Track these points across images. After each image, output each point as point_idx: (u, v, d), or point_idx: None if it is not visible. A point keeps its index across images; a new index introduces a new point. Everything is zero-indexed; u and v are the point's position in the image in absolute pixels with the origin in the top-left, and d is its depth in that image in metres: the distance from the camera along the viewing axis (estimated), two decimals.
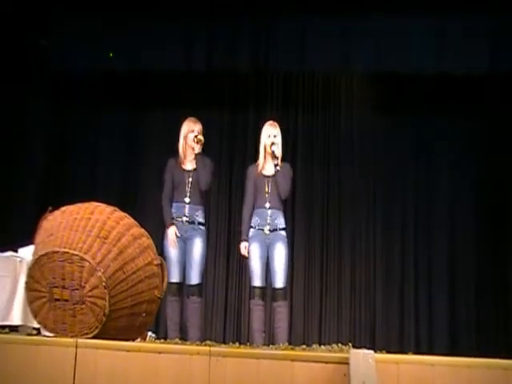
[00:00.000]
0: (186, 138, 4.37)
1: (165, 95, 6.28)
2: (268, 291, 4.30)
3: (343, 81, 6.26)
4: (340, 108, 6.26)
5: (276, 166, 4.23)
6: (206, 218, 4.39)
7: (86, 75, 6.00)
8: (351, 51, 5.43)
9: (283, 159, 4.36)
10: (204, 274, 4.39)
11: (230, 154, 6.28)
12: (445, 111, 5.96)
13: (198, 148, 4.32)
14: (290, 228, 5.52)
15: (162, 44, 5.66)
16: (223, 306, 6.01)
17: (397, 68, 5.41)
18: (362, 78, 6.13)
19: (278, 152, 4.27)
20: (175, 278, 4.23)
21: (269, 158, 4.32)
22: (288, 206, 5.46)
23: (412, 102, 6.05)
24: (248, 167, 4.45)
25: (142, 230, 3.18)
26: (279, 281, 4.15)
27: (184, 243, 4.27)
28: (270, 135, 4.33)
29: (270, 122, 4.42)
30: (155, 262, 3.16)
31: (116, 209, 3.16)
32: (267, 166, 4.35)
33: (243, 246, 4.27)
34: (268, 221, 4.23)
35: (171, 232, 4.26)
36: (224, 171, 6.20)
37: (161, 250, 4.16)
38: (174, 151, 4.49)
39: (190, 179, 4.31)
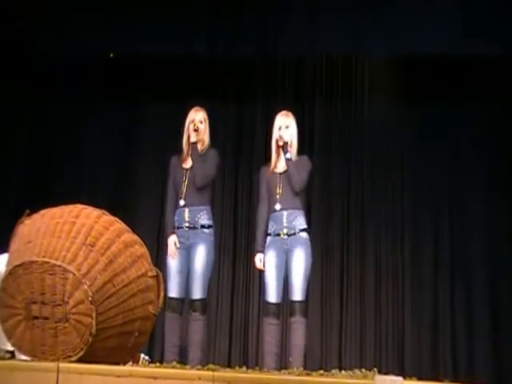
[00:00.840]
0: (187, 130, 4.34)
1: (161, 85, 6.27)
2: (284, 307, 4.29)
3: (365, 64, 6.23)
4: (362, 95, 6.23)
5: (286, 153, 4.19)
6: (212, 218, 4.36)
7: (71, 62, 6.00)
8: (373, 30, 5.39)
9: (299, 153, 4.33)
10: (209, 287, 4.35)
11: (236, 150, 6.28)
12: (484, 96, 5.93)
13: (193, 137, 4.27)
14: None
15: (160, 28, 5.66)
16: (228, 324, 6.00)
17: (424, 49, 5.37)
18: (386, 61, 6.10)
19: (286, 136, 4.23)
20: (175, 292, 4.21)
21: (281, 153, 4.26)
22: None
23: (445, 87, 6.02)
24: (261, 168, 4.44)
25: (135, 237, 3.14)
26: (297, 292, 4.12)
27: (187, 252, 4.24)
28: (282, 127, 4.30)
29: (283, 111, 4.41)
30: (150, 274, 3.12)
31: (105, 212, 3.12)
32: (280, 162, 4.30)
33: (258, 258, 4.23)
34: (284, 223, 4.18)
35: (170, 243, 4.25)
36: (229, 170, 6.20)
37: (156, 260, 4.12)
38: (173, 148, 4.48)
39: (187, 178, 4.27)
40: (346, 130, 6.23)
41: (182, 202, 4.26)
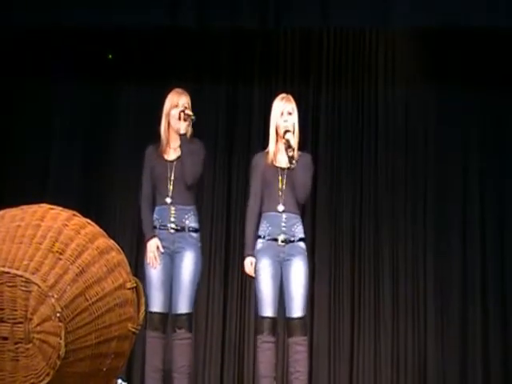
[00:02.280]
0: (168, 115, 4.35)
1: (140, 61, 6.28)
2: (281, 323, 4.30)
3: (381, 39, 6.24)
4: (377, 76, 6.24)
5: (291, 159, 4.14)
6: (200, 221, 4.38)
7: (34, 33, 5.97)
8: None
9: (301, 147, 4.31)
10: (196, 299, 4.39)
11: (229, 139, 6.28)
12: None
13: (184, 127, 4.27)
14: (310, 239, 5.51)
15: None
16: (220, 343, 6.00)
17: (454, 20, 5.35)
18: (407, 35, 6.13)
19: (294, 141, 4.19)
20: (158, 306, 4.22)
21: (282, 145, 4.23)
22: (306, 211, 5.46)
23: (480, 66, 6.02)
24: (254, 156, 4.41)
25: (111, 242, 3.10)
26: (297, 308, 4.13)
27: (171, 258, 4.22)
28: (284, 112, 4.30)
29: (283, 95, 4.42)
30: (128, 285, 3.09)
31: (75, 213, 3.08)
32: (281, 154, 4.28)
33: (248, 261, 4.25)
34: (283, 228, 4.18)
35: (151, 247, 4.22)
36: (221, 162, 6.20)
37: (135, 269, 4.11)
38: (154, 136, 4.44)
39: (173, 172, 4.24)
40: (357, 117, 6.24)
41: (168, 200, 4.23)
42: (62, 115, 6.37)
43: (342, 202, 6.13)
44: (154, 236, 4.25)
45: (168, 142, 4.37)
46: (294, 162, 4.18)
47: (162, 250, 4.23)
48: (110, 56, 6.27)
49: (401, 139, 6.17)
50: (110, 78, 6.35)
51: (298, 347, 4.11)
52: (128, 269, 3.08)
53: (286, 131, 4.23)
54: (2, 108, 6.29)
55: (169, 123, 4.35)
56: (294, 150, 4.19)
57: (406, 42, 6.21)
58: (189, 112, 4.30)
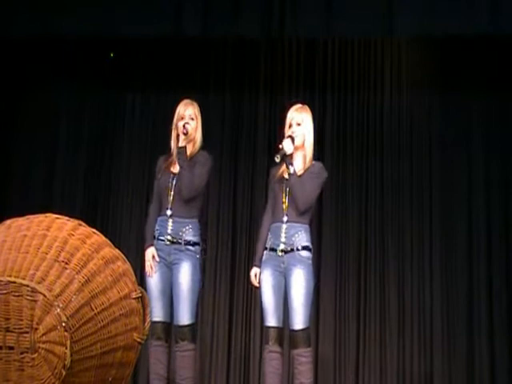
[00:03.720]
0: (176, 128, 4.34)
1: (146, 70, 6.30)
2: (287, 334, 4.27)
3: (387, 47, 6.25)
4: (383, 84, 6.25)
5: (288, 165, 4.15)
6: (200, 235, 4.37)
7: (38, 43, 6.01)
8: (397, 7, 5.39)
9: (314, 157, 4.30)
10: (198, 310, 4.39)
11: (234, 148, 6.28)
12: None
13: (181, 140, 4.27)
14: (316, 248, 5.48)
15: (143, 4, 5.65)
16: (225, 354, 5.99)
17: (458, 28, 5.36)
18: (413, 43, 6.14)
19: (288, 147, 4.14)
20: (159, 315, 4.22)
21: (294, 153, 4.23)
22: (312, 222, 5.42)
23: (487, 72, 6.02)
24: (271, 169, 4.44)
25: (117, 252, 3.12)
26: (298, 320, 4.10)
27: (168, 269, 4.25)
28: (292, 124, 4.27)
29: (297, 105, 4.37)
30: (134, 295, 3.11)
31: (81, 223, 3.11)
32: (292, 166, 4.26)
33: (253, 272, 4.26)
34: (282, 239, 4.18)
35: (148, 256, 4.28)
36: (226, 174, 6.21)
37: (140, 279, 4.13)
38: (159, 147, 4.49)
39: (173, 185, 4.28)
40: (363, 126, 6.23)
41: (168, 212, 4.27)
42: (67, 125, 6.38)
43: (347, 210, 6.11)
44: (151, 245, 4.29)
45: (177, 155, 4.38)
46: (291, 168, 4.13)
47: (157, 259, 4.25)
48: (112, 54, 6.26)
49: (406, 147, 6.15)
50: (115, 87, 6.37)
51: (302, 359, 4.08)
52: (133, 278, 3.10)
53: (288, 137, 4.20)
54: (6, 117, 6.31)
55: (178, 135, 4.36)
56: (283, 154, 4.10)
57: (410, 50, 6.22)
58: (188, 126, 4.30)
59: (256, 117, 6.27)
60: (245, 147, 6.27)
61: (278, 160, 4.11)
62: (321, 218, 6.02)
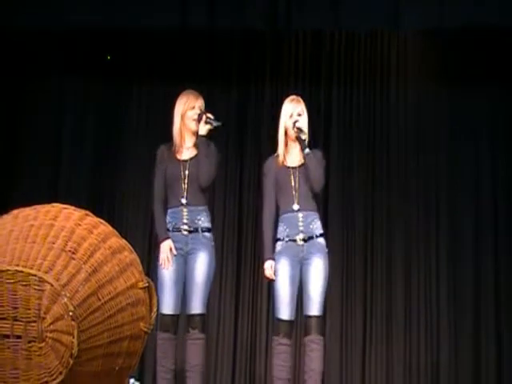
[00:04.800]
0: (183, 117, 4.34)
1: (151, 63, 6.27)
2: (297, 325, 4.35)
3: (393, 40, 6.22)
4: (389, 77, 6.22)
5: (306, 147, 4.20)
6: (212, 221, 4.38)
7: (42, 35, 5.97)
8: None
9: (311, 146, 4.33)
10: (208, 300, 4.38)
11: (240, 140, 6.28)
12: None
13: (205, 129, 4.28)
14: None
15: None
16: (232, 344, 6.00)
17: (466, 21, 5.34)
18: (420, 36, 6.11)
19: (305, 126, 4.25)
20: (169, 308, 4.21)
21: (292, 144, 4.27)
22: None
23: (496, 66, 5.99)
24: (265, 161, 4.42)
25: (124, 242, 3.11)
26: (315, 307, 4.13)
27: (184, 260, 4.24)
28: (293, 114, 4.29)
29: (292, 97, 4.42)
30: (141, 285, 3.11)
31: (88, 213, 3.10)
32: (291, 154, 4.32)
33: (268, 265, 4.23)
34: (300, 227, 4.18)
35: (165, 248, 4.23)
36: (232, 165, 6.21)
37: (147, 268, 4.12)
38: (165, 137, 4.44)
39: (187, 172, 4.26)
40: (369, 120, 6.21)
41: (183, 201, 4.24)
42: (73, 116, 6.36)
43: (353, 205, 6.10)
44: (168, 237, 4.25)
45: (182, 143, 4.37)
46: (307, 150, 4.19)
47: (175, 252, 4.23)
48: (109, 57, 6.25)
49: (413, 142, 6.13)
50: (120, 79, 6.35)
51: (314, 345, 4.10)
52: (140, 268, 3.09)
53: (296, 121, 4.23)
54: (12, 108, 6.30)
55: (184, 123, 4.35)
56: (306, 134, 4.21)
57: (417, 43, 6.19)
58: (211, 116, 4.31)
59: (261, 109, 6.26)
60: (250, 139, 6.26)
61: (305, 138, 4.19)
62: (326, 214, 5.97)
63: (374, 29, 6.08)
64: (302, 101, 4.38)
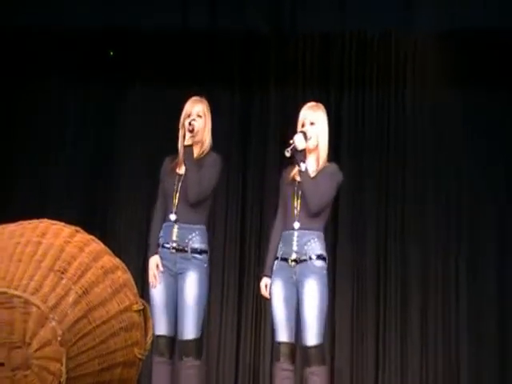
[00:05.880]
0: (183, 126, 4.34)
1: (150, 66, 6.30)
2: (299, 350, 4.26)
3: (409, 42, 6.23)
4: (405, 82, 6.24)
5: (299, 162, 4.11)
6: (208, 242, 4.36)
7: (36, 34, 6.03)
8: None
9: (329, 159, 4.29)
10: (204, 324, 4.38)
11: (243, 151, 6.30)
12: None
13: (187, 138, 4.26)
14: (330, 257, 5.45)
15: None
16: (233, 371, 6.00)
17: (484, 21, 5.36)
18: (436, 37, 6.10)
19: (299, 142, 4.10)
20: (163, 329, 4.20)
21: (309, 155, 4.21)
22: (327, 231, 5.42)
23: (504, 69, 6.00)
24: (283, 172, 4.43)
25: (117, 261, 3.10)
26: (312, 336, 4.08)
27: (174, 280, 4.25)
28: (305, 123, 4.25)
29: (310, 103, 4.37)
30: (135, 307, 3.09)
31: (78, 229, 3.09)
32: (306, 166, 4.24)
33: (263, 283, 4.26)
34: (294, 247, 4.16)
35: (151, 265, 4.26)
36: (235, 176, 6.22)
37: (142, 290, 4.12)
38: (165, 147, 4.51)
39: (179, 187, 4.27)
40: (383, 127, 6.22)
41: (172, 217, 4.25)
42: (66, 124, 6.40)
43: (365, 221, 6.11)
44: (155, 253, 4.27)
45: (183, 156, 4.37)
46: (302, 165, 4.10)
47: (161, 268, 4.23)
48: (112, 53, 6.28)
49: (430, 149, 6.13)
50: (116, 83, 6.38)
51: (315, 377, 4.05)
52: (135, 290, 3.08)
53: (300, 132, 4.16)
54: (11, 108, 6.32)
55: (184, 135, 4.35)
56: (293, 150, 4.06)
57: (434, 45, 6.19)
58: (194, 123, 4.27)
59: (267, 117, 6.28)
60: (254, 148, 6.27)
61: (288, 154, 4.07)
62: (336, 226, 6.01)
63: (386, 30, 6.11)
64: (320, 108, 4.30)
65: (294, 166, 4.24)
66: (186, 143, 4.26)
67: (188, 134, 4.26)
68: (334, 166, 4.28)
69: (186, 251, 4.23)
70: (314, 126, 4.23)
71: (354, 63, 6.29)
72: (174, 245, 4.24)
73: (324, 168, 4.22)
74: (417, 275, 5.98)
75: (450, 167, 6.10)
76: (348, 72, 6.30)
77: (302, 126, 4.23)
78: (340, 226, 6.05)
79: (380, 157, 6.17)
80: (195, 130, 4.26)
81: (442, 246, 6.00)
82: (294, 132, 4.24)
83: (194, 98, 4.42)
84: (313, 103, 4.35)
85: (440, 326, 5.91)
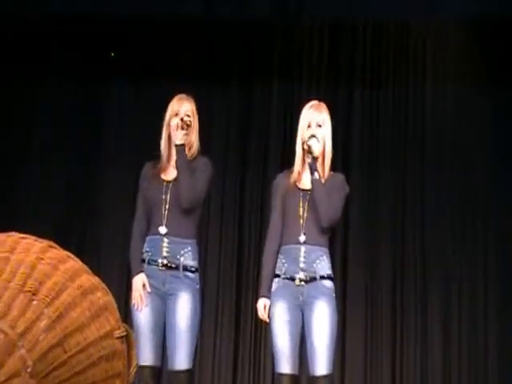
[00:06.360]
0: (168, 126, 4.35)
1: (137, 57, 6.34)
2: (303, 381, 4.33)
3: (429, 31, 6.28)
4: (424, 76, 6.27)
5: (314, 171, 4.15)
6: (200, 259, 4.38)
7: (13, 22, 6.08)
8: None
9: (333, 167, 4.32)
10: (197, 353, 4.44)
11: (241, 154, 6.35)
12: None
13: (179, 136, 4.26)
14: (340, 277, 5.50)
15: None
16: None
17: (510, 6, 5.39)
18: (459, 25, 6.17)
19: (317, 148, 4.17)
20: (148, 358, 4.19)
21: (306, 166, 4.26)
22: (336, 242, 5.46)
23: None
24: (276, 176, 4.43)
25: (96, 280, 3.05)
26: (321, 365, 4.10)
27: (162, 302, 4.23)
28: (312, 124, 4.27)
29: (313, 102, 4.40)
30: (117, 334, 3.05)
31: (52, 244, 3.03)
32: (307, 174, 4.28)
33: (262, 304, 4.23)
34: (301, 264, 4.16)
35: (137, 285, 4.23)
36: (231, 183, 6.27)
37: (125, 314, 4.11)
38: (151, 152, 4.47)
39: (169, 195, 4.28)
40: (399, 127, 6.26)
41: (162, 230, 4.24)
42: (42, 124, 6.42)
43: (379, 238, 6.15)
44: (141, 271, 4.25)
45: (168, 159, 4.37)
46: (315, 175, 4.14)
47: (148, 289, 4.22)
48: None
49: (452, 152, 6.16)
50: (98, 76, 6.40)
51: None
52: (117, 314, 3.05)
53: (312, 136, 4.20)
54: None
55: (169, 134, 4.36)
56: (315, 157, 4.15)
57: (457, 34, 6.23)
58: (187, 119, 4.29)
59: (268, 115, 6.34)
60: (254, 151, 6.32)
61: (309, 161, 4.15)
62: (346, 240, 6.06)
63: (404, 16, 6.15)
64: (324, 108, 4.34)
65: (291, 172, 4.27)
66: (179, 142, 4.27)
67: (181, 132, 4.27)
68: (341, 176, 4.35)
69: (178, 269, 4.23)
70: (321, 129, 4.26)
71: (368, 55, 6.35)
72: (164, 261, 4.23)
73: (332, 177, 4.26)
74: (438, 303, 6.03)
75: (477, 177, 6.11)
76: (361, 65, 6.36)
77: (308, 127, 4.25)
78: (350, 239, 6.10)
79: (397, 161, 6.21)
80: (191, 125, 4.28)
81: (466, 264, 6.02)
82: (295, 135, 4.31)
83: (180, 96, 4.44)
84: (315, 102, 4.38)
85: (465, 353, 5.92)
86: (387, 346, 6.01)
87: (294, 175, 4.30)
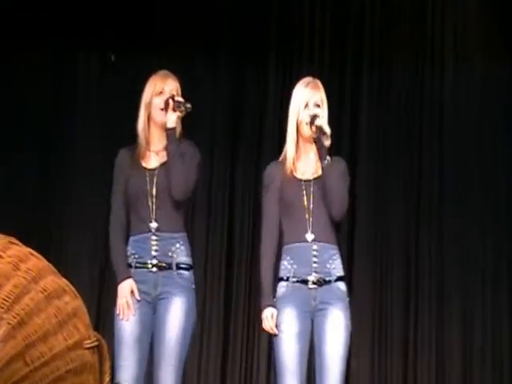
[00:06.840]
0: (148, 106, 4.34)
1: (109, 24, 6.30)
2: None
3: (447, 6, 6.24)
4: (442, 56, 6.24)
5: (325, 158, 4.14)
6: (192, 255, 4.34)
7: None
8: None
9: (332, 152, 4.26)
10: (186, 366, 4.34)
11: (232, 140, 6.35)
12: None
13: (173, 119, 4.26)
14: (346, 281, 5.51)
15: None
16: None
17: None
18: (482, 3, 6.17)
19: (327, 129, 4.14)
20: (129, 373, 4.15)
21: (307, 146, 4.24)
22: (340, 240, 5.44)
23: None
24: (267, 167, 4.40)
25: (64, 282, 3.08)
26: (332, 378, 4.08)
27: (151, 308, 4.24)
28: (309, 104, 4.25)
29: (307, 79, 4.35)
30: (88, 344, 3.07)
31: (12, 240, 3.06)
32: (304, 161, 4.28)
33: (269, 314, 4.18)
34: (314, 264, 4.13)
35: (124, 292, 4.20)
36: (220, 173, 6.28)
37: (97, 320, 4.08)
38: (127, 136, 4.46)
39: (156, 185, 4.25)
40: (413, 113, 6.25)
41: (153, 225, 4.23)
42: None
43: (389, 237, 6.16)
44: (129, 277, 4.21)
45: (148, 144, 4.34)
46: (327, 159, 4.13)
47: (137, 296, 4.20)
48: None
49: (474, 141, 6.16)
50: (63, 44, 6.36)
51: None
52: (87, 320, 3.04)
53: (315, 116, 4.15)
54: None
55: (149, 116, 4.34)
56: (329, 138, 4.11)
57: (480, 9, 6.23)
58: (180, 99, 4.26)
59: (263, 96, 6.33)
60: (246, 138, 6.32)
61: (328, 144, 4.12)
62: (352, 237, 6.06)
63: None
64: (321, 86, 4.31)
65: (283, 160, 4.25)
66: (171, 125, 4.24)
67: (174, 114, 4.23)
68: (344, 162, 4.34)
69: (171, 268, 4.22)
70: (320, 110, 4.23)
71: (377, 33, 6.34)
72: (154, 261, 4.22)
73: (333, 165, 4.21)
74: (457, 311, 6.05)
75: (501, 168, 6.14)
76: (369, 45, 6.35)
77: (306, 107, 4.22)
78: (357, 237, 6.12)
79: (411, 151, 6.21)
80: (186, 107, 4.25)
81: (488, 253, 6.07)
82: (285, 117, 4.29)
83: (164, 72, 4.41)
84: (310, 79, 4.32)
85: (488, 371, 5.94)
86: (398, 355, 6.06)
87: (289, 164, 4.26)
